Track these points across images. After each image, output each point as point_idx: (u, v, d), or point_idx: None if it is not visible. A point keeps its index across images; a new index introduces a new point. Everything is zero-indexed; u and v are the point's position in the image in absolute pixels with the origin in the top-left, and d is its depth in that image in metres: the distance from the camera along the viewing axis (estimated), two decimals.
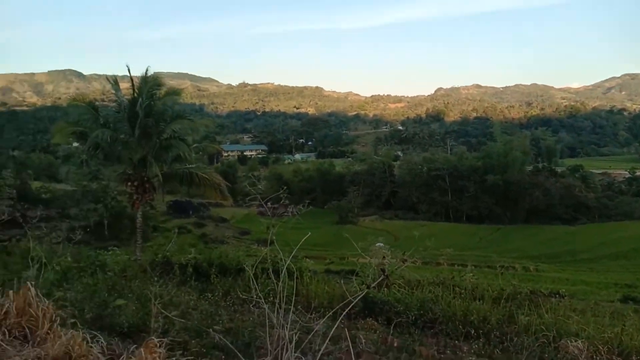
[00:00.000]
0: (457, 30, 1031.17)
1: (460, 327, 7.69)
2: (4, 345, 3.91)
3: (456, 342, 7.35)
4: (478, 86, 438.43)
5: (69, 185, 73.30)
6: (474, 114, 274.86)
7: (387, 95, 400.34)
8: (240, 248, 14.38)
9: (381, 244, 11.09)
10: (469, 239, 71.72)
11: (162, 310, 5.10)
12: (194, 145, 28.25)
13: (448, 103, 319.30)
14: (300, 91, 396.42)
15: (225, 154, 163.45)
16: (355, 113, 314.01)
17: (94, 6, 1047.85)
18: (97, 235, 46.97)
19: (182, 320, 5.64)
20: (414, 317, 8.00)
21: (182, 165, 25.43)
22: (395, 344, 6.65)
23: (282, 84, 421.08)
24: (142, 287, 7.92)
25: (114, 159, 26.04)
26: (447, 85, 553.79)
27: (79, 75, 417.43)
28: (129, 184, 24.24)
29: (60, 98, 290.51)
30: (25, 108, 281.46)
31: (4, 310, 4.39)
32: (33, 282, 4.88)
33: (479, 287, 9.60)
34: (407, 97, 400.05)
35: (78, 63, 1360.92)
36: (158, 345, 3.88)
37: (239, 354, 4.04)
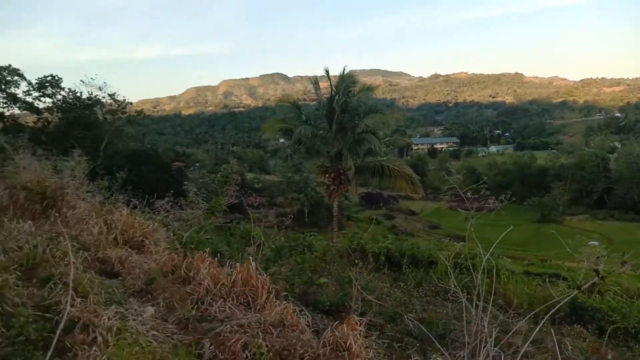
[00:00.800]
0: None
1: None
2: (234, 309, 4.64)
3: None
4: None
5: (276, 177, 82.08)
6: None
7: (601, 78, 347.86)
8: (430, 241, 14.27)
9: (595, 243, 9.80)
10: None
11: (363, 292, 5.40)
12: (385, 138, 28.92)
13: None
14: (497, 79, 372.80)
15: (415, 147, 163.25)
16: (561, 100, 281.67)
17: (295, 15, 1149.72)
18: (299, 221, 51.81)
19: (381, 303, 5.89)
20: (633, 330, 6.95)
21: (374, 158, 26.30)
22: (610, 356, 5.88)
23: (476, 72, 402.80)
24: (340, 270, 8.49)
25: (313, 153, 28.21)
26: None
27: (285, 77, 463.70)
28: (327, 175, 26.09)
29: (269, 99, 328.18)
30: (241, 109, 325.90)
31: (232, 279, 5.21)
32: (252, 258, 5.67)
33: None
34: (627, 79, 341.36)
35: (284, 67, 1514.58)
36: (358, 324, 4.15)
37: (437, 344, 4.06)
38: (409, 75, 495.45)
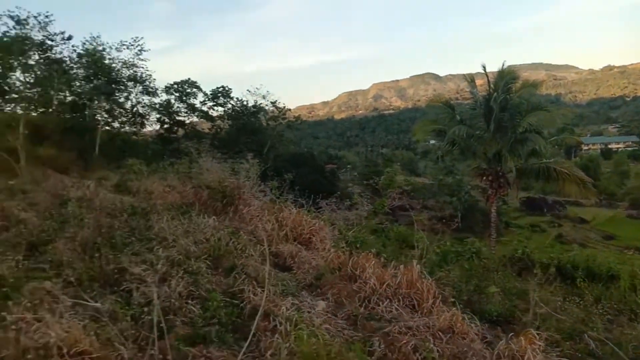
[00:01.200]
0: None
1: None
2: (400, 310, 4.66)
3: None
4: None
5: (427, 179, 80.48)
6: None
7: None
8: (609, 253, 12.66)
9: None
10: None
11: (542, 305, 5.02)
12: (551, 138, 26.58)
13: None
14: None
15: (585, 148, 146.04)
16: None
17: (447, 11, 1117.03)
18: (451, 226, 50.05)
19: (561, 317, 5.40)
20: None
21: (538, 160, 24.29)
22: None
23: None
24: (505, 279, 7.98)
25: (468, 154, 27.03)
26: None
27: (436, 77, 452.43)
28: (484, 178, 24.79)
29: (419, 100, 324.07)
30: (391, 111, 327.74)
31: (397, 281, 5.24)
32: (416, 261, 5.64)
33: None
34: None
35: (435, 66, 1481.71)
36: (536, 337, 3.85)
37: None
38: (577, 67, 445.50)
